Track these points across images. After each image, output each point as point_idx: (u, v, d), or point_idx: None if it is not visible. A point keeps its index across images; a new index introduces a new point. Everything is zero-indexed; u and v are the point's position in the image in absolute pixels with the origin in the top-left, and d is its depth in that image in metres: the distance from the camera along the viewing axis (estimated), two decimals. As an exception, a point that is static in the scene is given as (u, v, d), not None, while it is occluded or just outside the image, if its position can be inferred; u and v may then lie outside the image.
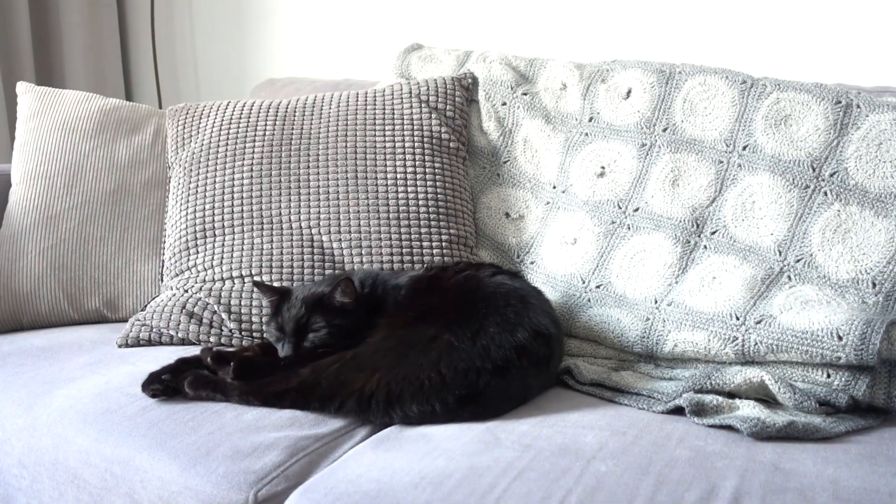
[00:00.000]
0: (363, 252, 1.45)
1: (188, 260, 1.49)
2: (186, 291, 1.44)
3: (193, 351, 1.26)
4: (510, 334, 1.09)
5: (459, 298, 1.18)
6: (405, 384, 1.05)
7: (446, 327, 1.09)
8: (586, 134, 1.54)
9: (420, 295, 1.23)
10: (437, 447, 0.99)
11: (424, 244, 1.47)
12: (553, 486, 0.89)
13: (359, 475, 0.94)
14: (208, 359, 1.19)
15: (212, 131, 1.59)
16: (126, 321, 1.49)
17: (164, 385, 1.15)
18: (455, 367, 1.05)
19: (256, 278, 1.42)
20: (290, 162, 1.53)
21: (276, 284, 1.40)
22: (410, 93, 1.62)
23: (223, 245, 1.47)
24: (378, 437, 1.06)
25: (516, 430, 1.03)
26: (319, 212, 1.48)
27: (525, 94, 1.63)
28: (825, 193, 1.28)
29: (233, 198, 1.51)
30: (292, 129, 1.57)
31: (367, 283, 1.27)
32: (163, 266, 1.56)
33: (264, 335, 1.30)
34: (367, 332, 1.17)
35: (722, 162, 1.39)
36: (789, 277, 1.27)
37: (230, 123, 1.59)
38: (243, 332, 1.38)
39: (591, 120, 1.55)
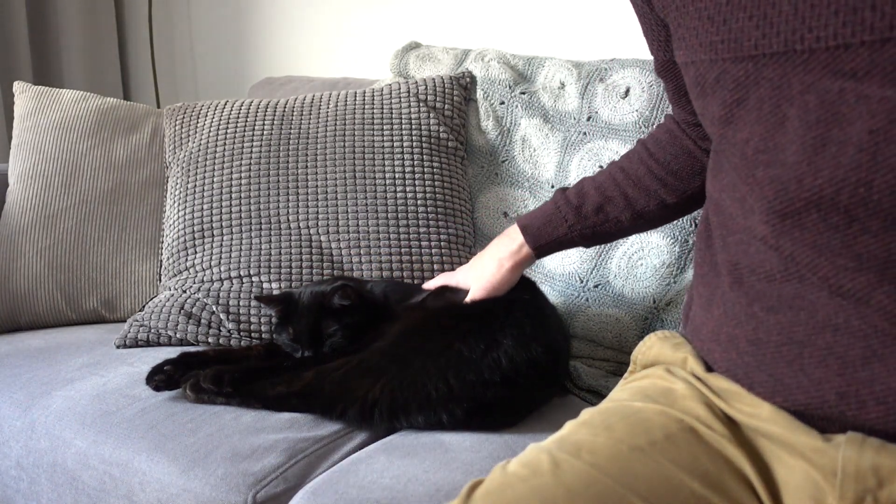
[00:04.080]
0: (361, 251, 1.45)
1: (186, 260, 1.49)
2: (185, 292, 1.44)
3: (193, 350, 1.25)
4: (524, 349, 1.05)
5: (474, 305, 1.15)
6: (411, 393, 1.02)
7: (459, 336, 1.05)
8: (584, 133, 1.54)
9: (433, 298, 1.22)
10: (455, 458, 0.96)
11: (423, 244, 1.46)
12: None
13: (371, 481, 0.92)
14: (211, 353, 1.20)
15: (209, 131, 1.59)
16: (124, 321, 1.48)
17: (166, 375, 1.15)
18: (463, 377, 1.01)
19: (255, 278, 1.42)
20: (288, 161, 1.53)
21: (274, 288, 1.40)
22: (408, 92, 1.61)
23: (221, 245, 1.47)
24: (391, 441, 1.03)
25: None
26: (318, 211, 1.48)
27: (523, 93, 1.62)
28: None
29: (231, 198, 1.50)
30: (290, 128, 1.57)
31: (377, 289, 1.27)
32: (161, 266, 1.56)
33: (274, 340, 1.28)
34: (376, 336, 1.15)
35: (720, 161, 1.38)
36: (788, 277, 1.27)
37: (228, 123, 1.59)
38: (242, 333, 1.38)
39: (589, 119, 1.54)
